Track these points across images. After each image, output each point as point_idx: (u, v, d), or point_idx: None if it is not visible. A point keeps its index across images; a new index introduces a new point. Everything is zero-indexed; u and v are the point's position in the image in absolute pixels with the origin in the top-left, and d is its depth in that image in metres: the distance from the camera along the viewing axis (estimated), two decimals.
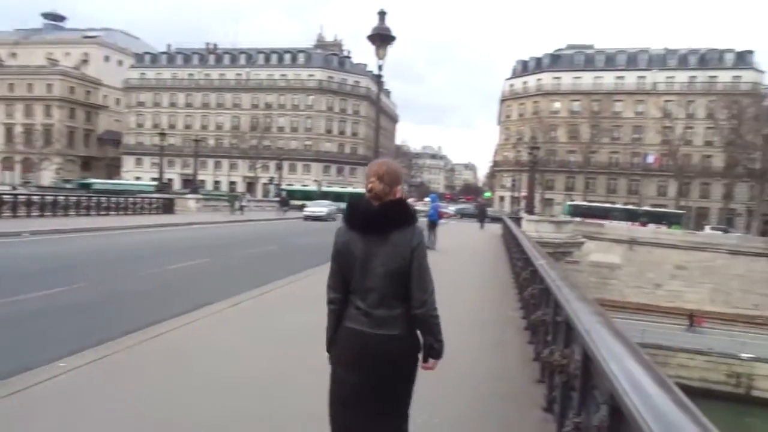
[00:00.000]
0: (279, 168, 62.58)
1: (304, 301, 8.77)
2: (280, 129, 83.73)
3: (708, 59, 69.74)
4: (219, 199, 43.34)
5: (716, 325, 41.35)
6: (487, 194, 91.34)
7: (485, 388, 5.19)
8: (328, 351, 2.71)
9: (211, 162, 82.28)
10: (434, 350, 2.63)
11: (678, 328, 37.36)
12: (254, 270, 13.30)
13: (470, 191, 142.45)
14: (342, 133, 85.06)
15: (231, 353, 5.72)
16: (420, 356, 2.62)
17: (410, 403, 2.64)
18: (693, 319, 38.64)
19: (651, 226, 54.79)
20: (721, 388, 30.81)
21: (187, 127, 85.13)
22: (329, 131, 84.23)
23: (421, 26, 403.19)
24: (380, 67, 12.67)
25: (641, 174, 69.27)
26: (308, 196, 58.56)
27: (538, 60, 78.52)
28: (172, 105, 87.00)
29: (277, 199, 49.42)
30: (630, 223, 55.82)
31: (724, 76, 67.54)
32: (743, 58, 68.71)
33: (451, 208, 62.71)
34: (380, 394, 2.53)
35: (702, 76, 68.46)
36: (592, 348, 2.50)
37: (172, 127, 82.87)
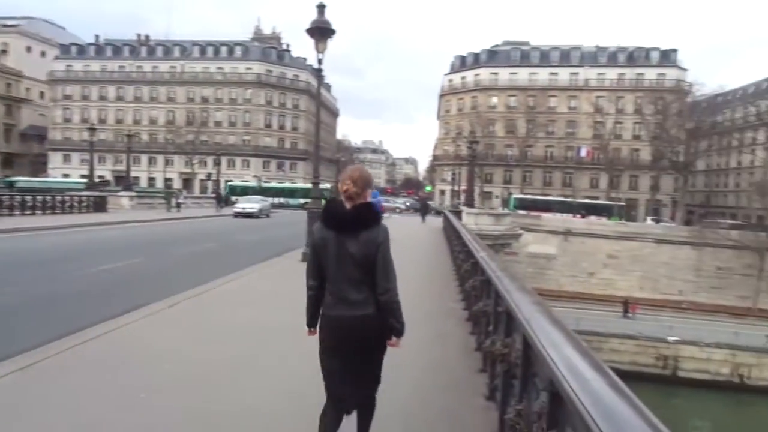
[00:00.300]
0: (217, 164, 61.07)
1: (245, 299, 8.67)
2: (218, 123, 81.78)
3: (636, 57, 72.95)
4: (154, 196, 41.82)
5: (646, 311, 43.65)
6: (428, 188, 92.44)
7: (427, 379, 5.25)
8: (308, 326, 3.34)
9: (144, 158, 79.40)
10: (396, 330, 3.20)
11: (614, 315, 39.17)
12: (193, 268, 13.01)
13: (411, 185, 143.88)
14: (282, 127, 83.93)
15: (169, 355, 5.56)
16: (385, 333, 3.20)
17: (381, 368, 3.28)
18: (627, 306, 40.44)
19: (591, 218, 56.87)
20: (650, 370, 32.61)
21: (119, 121, 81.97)
22: (269, 126, 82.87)
23: (361, 20, 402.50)
24: (320, 61, 12.58)
25: (575, 167, 71.84)
26: (247, 191, 57.35)
27: (476, 56, 79.93)
28: (102, 98, 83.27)
29: (213, 195, 47.86)
30: (571, 215, 57.82)
31: (650, 74, 70.84)
32: (667, 57, 72.28)
33: (399, 202, 63.66)
34: (360, 362, 3.16)
35: (630, 73, 71.51)
36: (532, 336, 2.60)
37: (102, 121, 79.55)
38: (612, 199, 63.75)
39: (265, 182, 69.59)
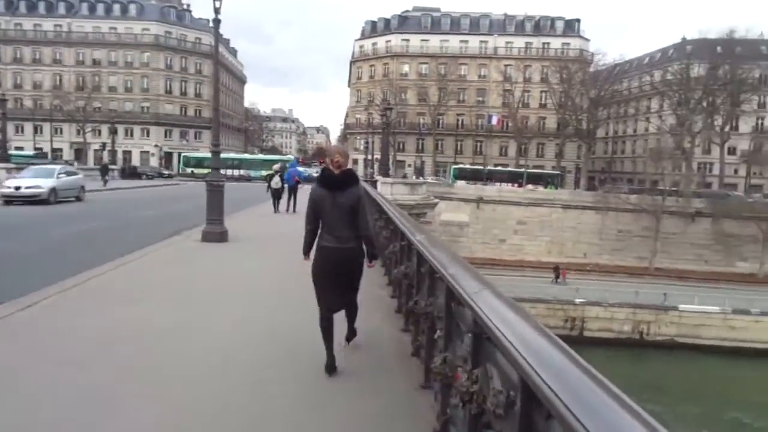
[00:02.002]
0: (113, 132, 56.37)
1: (130, 294, 7.12)
2: (112, 89, 75.55)
3: (542, 26, 74.39)
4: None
5: (552, 274, 45.14)
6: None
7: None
8: (305, 254, 4.76)
9: (29, 126, 71.96)
10: (373, 255, 4.85)
11: (545, 281, 40.40)
12: (66, 255, 10.99)
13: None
14: (184, 94, 78.89)
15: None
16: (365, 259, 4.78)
17: (360, 282, 4.81)
18: (559, 271, 41.68)
19: (529, 186, 57.73)
20: (559, 332, 33.45)
21: None
22: (169, 92, 77.53)
23: None
24: (217, 11, 10.89)
25: (485, 135, 72.77)
26: (203, 163, 53.58)
27: (387, 21, 78.43)
28: None
29: (98, 167, 43.44)
30: (511, 184, 58.55)
31: (556, 43, 72.60)
32: (571, 26, 74.23)
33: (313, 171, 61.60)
34: (347, 279, 4.68)
35: (537, 42, 72.94)
36: (456, 286, 2.88)
37: None
38: (520, 167, 65.28)
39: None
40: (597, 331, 33.91)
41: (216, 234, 11.47)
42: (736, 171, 65.49)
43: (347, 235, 4.57)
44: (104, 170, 36.88)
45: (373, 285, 7.80)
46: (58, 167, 26.97)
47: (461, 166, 65.36)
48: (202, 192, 12.04)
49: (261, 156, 74.20)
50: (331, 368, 4.50)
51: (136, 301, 6.70)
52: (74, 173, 26.81)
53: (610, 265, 47.22)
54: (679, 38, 71.01)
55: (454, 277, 3.05)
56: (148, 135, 75.48)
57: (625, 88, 73.59)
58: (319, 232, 4.66)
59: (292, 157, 75.90)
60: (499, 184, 58.83)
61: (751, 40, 60.29)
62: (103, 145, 62.76)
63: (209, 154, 12.30)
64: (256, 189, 25.47)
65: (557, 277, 41.47)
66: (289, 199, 20.18)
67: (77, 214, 18.55)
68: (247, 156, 72.35)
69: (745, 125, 64.74)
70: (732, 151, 64.48)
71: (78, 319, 5.88)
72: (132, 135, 74.72)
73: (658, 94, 67.69)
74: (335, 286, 4.61)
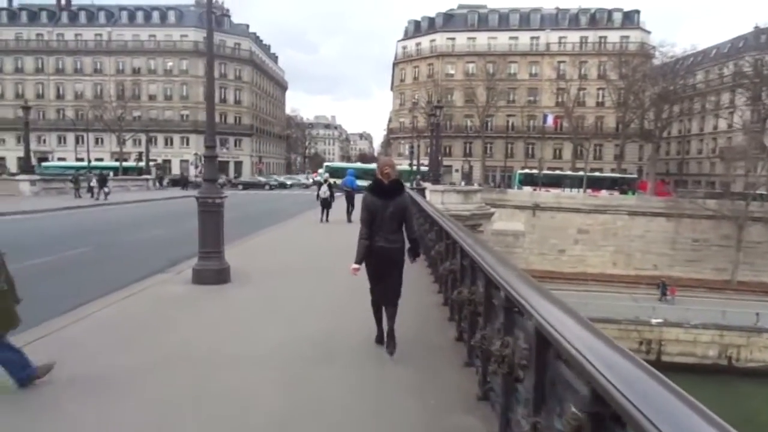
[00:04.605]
0: (150, 141, 54.55)
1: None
2: (152, 97, 74.31)
3: (598, 19, 69.26)
4: (65, 179, 34.77)
5: (620, 289, 40.58)
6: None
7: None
8: (357, 263, 5.26)
9: (71, 137, 71.30)
10: (417, 253, 5.62)
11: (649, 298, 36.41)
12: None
13: (366, 161, 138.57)
14: (224, 100, 76.90)
15: None
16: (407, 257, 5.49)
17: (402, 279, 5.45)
18: (666, 287, 37.53)
19: (603, 193, 52.93)
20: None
21: (39, 96, 73.38)
22: None
23: None
24: None
25: (537, 137, 68.08)
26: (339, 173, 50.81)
27: (431, 20, 74.67)
28: (18, 71, 74.37)
29: (95, 177, 34.70)
30: (583, 190, 53.95)
31: (613, 36, 67.28)
32: (630, 18, 68.83)
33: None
34: (393, 275, 5.33)
35: (593, 36, 67.92)
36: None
37: (19, 96, 70.78)
38: (577, 170, 60.38)
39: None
40: (677, 356, 29.89)
41: (211, 273, 8.07)
42: None
43: (395, 236, 5.30)
44: (102, 181, 32.14)
45: (421, 282, 8.65)
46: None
47: (527, 171, 60.63)
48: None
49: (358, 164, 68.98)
50: (380, 339, 5.54)
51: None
52: None
53: (684, 278, 42.16)
54: (749, 28, 64.69)
55: (491, 265, 3.77)
56: (187, 144, 73.85)
57: (697, 82, 67.53)
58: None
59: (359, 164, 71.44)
60: (569, 190, 54.17)
61: None
62: (139, 154, 61.25)
63: (347, 164, 9.21)
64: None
65: (664, 294, 36.84)
66: (347, 208, 19.42)
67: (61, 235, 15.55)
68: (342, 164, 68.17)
69: None
70: None
71: None
72: (171, 144, 73.29)
73: (731, 89, 61.70)
74: (386, 279, 5.32)
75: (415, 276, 8.48)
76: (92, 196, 31.11)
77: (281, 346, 5.55)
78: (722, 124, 64.22)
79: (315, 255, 12.35)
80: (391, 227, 5.21)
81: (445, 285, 7.35)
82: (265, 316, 6.77)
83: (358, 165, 63.11)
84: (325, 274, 9.68)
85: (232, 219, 22.24)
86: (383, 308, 5.42)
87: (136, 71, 73.81)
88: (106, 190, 31.59)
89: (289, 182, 63.75)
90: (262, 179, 63.03)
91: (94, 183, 31.52)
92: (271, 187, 57.00)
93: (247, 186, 56.39)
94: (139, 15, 75.07)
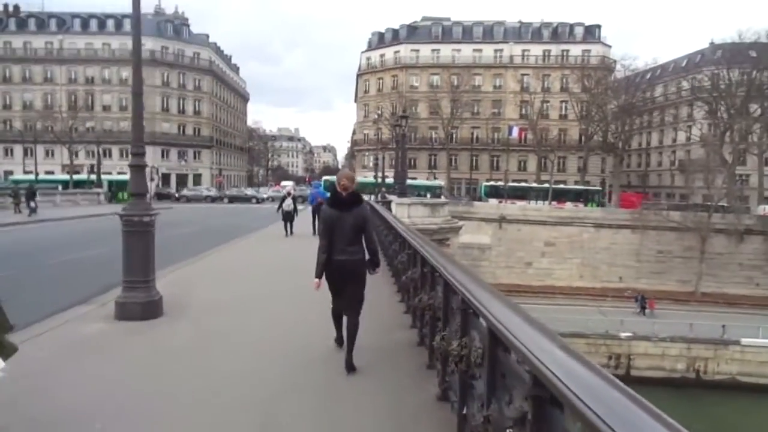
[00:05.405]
0: (104, 154, 52.07)
1: None
2: (106, 108, 71.42)
3: (560, 33, 69.89)
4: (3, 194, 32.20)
5: (587, 301, 40.18)
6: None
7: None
8: (317, 277, 5.32)
9: (19, 149, 67.70)
10: (376, 264, 5.57)
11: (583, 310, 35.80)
12: None
13: (330, 173, 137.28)
14: (182, 111, 74.67)
15: None
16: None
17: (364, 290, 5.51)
18: (645, 301, 37.12)
19: (568, 205, 52.78)
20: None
21: None
22: (166, 109, 73.21)
23: (277, 5, 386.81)
24: None
25: (502, 149, 67.95)
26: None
27: (395, 32, 74.13)
28: None
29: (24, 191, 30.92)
30: (548, 202, 53.86)
31: (575, 50, 67.87)
32: (591, 33, 69.70)
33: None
34: (354, 287, 5.38)
35: (555, 49, 68.39)
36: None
37: None
38: (542, 182, 60.37)
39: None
40: (646, 370, 29.71)
41: (137, 306, 6.67)
42: None
43: (355, 248, 5.32)
44: (31, 195, 28.93)
45: (383, 293, 8.70)
46: None
47: (493, 183, 60.22)
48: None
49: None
50: (340, 341, 5.68)
51: None
52: None
53: (650, 290, 42.01)
54: (704, 44, 66.27)
55: (450, 272, 3.91)
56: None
57: (657, 96, 68.60)
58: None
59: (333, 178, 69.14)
60: (535, 202, 53.89)
61: None
62: (91, 166, 58.57)
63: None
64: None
65: (644, 308, 36.34)
66: (313, 222, 18.99)
67: None
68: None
69: None
70: None
71: None
72: (127, 156, 70.08)
73: (689, 103, 62.79)
74: (344, 294, 5.37)
75: (380, 285, 8.71)
76: (18, 212, 28.49)
77: (209, 411, 4.22)
78: (681, 137, 65.27)
79: (274, 275, 11.11)
80: (351, 239, 5.27)
81: (407, 293, 7.63)
82: (196, 365, 5.42)
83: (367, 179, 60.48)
84: (284, 301, 8.44)
85: (190, 234, 20.90)
86: (343, 317, 5.54)
87: (89, 81, 70.84)
88: (32, 204, 28.52)
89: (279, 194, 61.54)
90: (249, 192, 61.43)
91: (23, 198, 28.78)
92: (258, 201, 55.72)
93: (233, 199, 55.39)
94: (93, 23, 72.21)
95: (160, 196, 58.42)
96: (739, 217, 43.64)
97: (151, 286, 6.91)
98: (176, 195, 60.92)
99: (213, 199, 55.06)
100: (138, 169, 7.16)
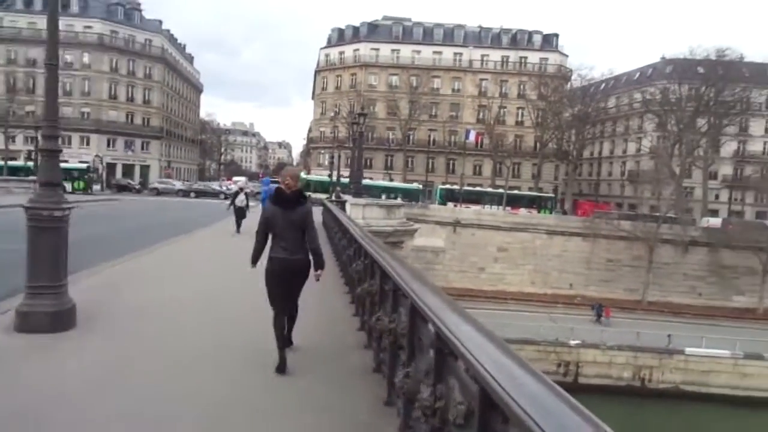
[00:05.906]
0: (37, 140, 49.01)
1: None
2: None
3: (519, 40, 70.46)
4: None
5: (538, 308, 40.32)
6: (302, 174, 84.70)
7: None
8: (252, 263, 5.41)
9: None
10: (321, 265, 5.46)
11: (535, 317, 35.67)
12: None
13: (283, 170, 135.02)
14: (131, 99, 71.53)
15: None
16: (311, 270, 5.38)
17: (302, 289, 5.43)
18: (601, 309, 37.13)
19: (522, 211, 52.82)
20: (551, 378, 28.97)
21: None
22: (114, 97, 69.98)
23: None
24: None
25: (458, 152, 68.03)
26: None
27: (356, 29, 73.26)
28: None
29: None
30: (503, 207, 53.92)
31: (533, 58, 68.61)
32: (549, 41, 70.57)
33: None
34: (293, 287, 5.32)
35: (514, 56, 68.92)
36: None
37: None
38: (496, 187, 60.61)
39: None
40: (594, 378, 29.81)
41: (44, 317, 5.62)
42: (717, 196, 62.62)
43: (296, 247, 5.22)
44: None
45: (335, 304, 8.09)
46: None
47: (448, 186, 59.89)
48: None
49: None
50: (281, 369, 5.02)
51: None
52: None
53: (598, 297, 42.55)
54: (655, 58, 68.25)
55: (417, 294, 3.25)
56: (87, 144, 67.81)
57: (610, 107, 70.09)
58: (269, 244, 5.32)
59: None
60: (489, 206, 53.92)
61: (734, 61, 56.87)
62: (29, 153, 55.36)
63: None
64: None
65: (599, 315, 36.41)
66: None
67: None
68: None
69: (727, 149, 62.05)
70: (713, 175, 61.49)
71: None
72: (70, 143, 66.62)
73: (640, 115, 64.40)
74: (284, 292, 5.23)
75: (329, 293, 8.61)
76: None
77: None
78: (632, 148, 66.86)
79: (216, 278, 10.07)
80: (292, 238, 5.22)
81: (362, 307, 7.59)
82: (109, 390, 4.47)
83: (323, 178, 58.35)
84: (223, 308, 7.51)
85: (132, 229, 19.49)
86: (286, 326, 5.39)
87: (30, 62, 66.91)
88: None
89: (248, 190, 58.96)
90: (217, 187, 58.78)
91: None
92: (227, 196, 53.38)
93: (200, 194, 52.70)
94: (37, 1, 68.27)
95: (120, 188, 56.73)
96: (685, 229, 44.71)
97: (62, 293, 5.86)
98: (136, 186, 58.63)
99: (185, 194, 52.49)
100: (50, 153, 6.04)
